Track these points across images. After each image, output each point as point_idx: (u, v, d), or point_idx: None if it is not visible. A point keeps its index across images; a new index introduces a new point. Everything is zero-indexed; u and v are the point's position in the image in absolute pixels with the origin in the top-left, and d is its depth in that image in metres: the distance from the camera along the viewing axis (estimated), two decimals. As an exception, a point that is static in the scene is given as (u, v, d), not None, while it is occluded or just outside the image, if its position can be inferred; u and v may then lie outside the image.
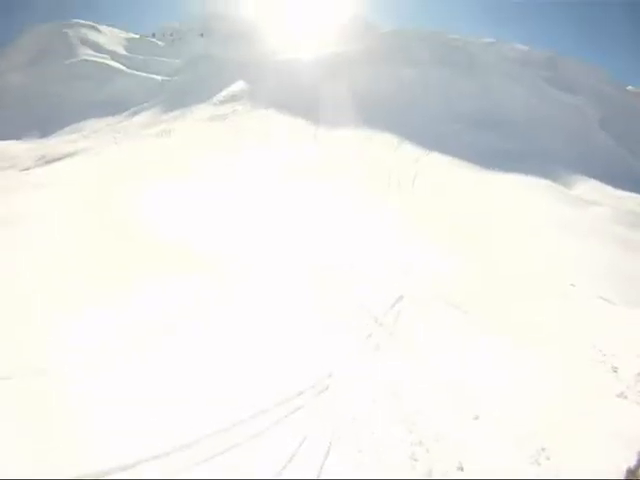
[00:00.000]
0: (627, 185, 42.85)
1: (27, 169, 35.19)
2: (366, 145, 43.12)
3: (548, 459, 8.06)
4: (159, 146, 38.09)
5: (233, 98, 53.85)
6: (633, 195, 40.71)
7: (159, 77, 64.15)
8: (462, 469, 7.62)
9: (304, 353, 10.48)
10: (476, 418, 9.04)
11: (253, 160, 34.55)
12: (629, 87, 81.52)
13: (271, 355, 10.15)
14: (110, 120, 48.76)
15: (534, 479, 7.19)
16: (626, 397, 10.26)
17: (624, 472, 7.52)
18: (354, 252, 17.97)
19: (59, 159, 36.82)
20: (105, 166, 31.89)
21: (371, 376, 10.06)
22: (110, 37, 77.47)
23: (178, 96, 55.26)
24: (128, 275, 13.28)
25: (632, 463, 7.59)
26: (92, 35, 73.70)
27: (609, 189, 41.53)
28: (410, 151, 42.97)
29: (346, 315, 12.74)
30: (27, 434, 6.97)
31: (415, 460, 7.67)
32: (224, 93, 55.14)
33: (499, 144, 47.75)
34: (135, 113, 50.46)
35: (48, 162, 36.55)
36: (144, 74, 64.34)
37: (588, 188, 40.61)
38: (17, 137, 44.34)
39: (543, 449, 8.27)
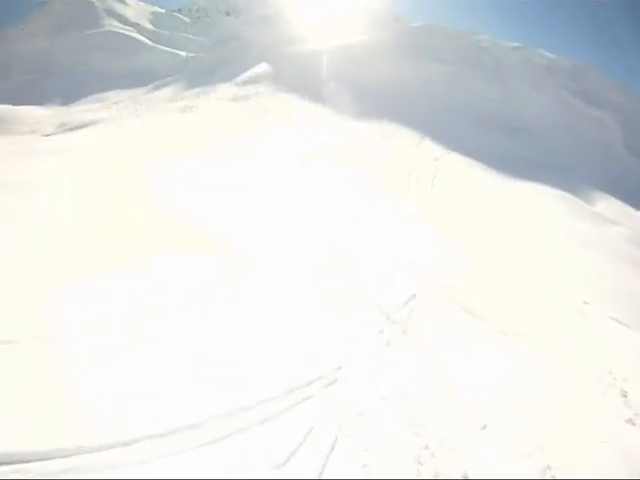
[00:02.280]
0: (647, 206, 42.32)
1: (48, 135, 35.18)
2: (387, 139, 42.77)
3: (553, 477, 7.97)
4: (181, 122, 37.82)
5: (256, 80, 53.38)
6: (652, 217, 40.19)
7: (183, 53, 63.69)
8: (467, 478, 7.53)
9: (313, 344, 10.34)
10: (483, 428, 8.94)
11: (273, 143, 34.27)
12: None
13: (280, 345, 10.00)
14: (133, 92, 48.48)
15: (533, 479, 7.04)
16: (634, 424, 10.15)
17: None
18: (369, 246, 17.79)
19: (80, 127, 36.66)
20: (126, 136, 31.68)
21: (381, 373, 9.98)
22: (136, 10, 76.93)
23: (201, 74, 54.89)
24: (137, 249, 13.07)
25: None
26: (118, 7, 73.17)
27: (629, 209, 41.06)
28: (431, 149, 42.60)
29: (357, 309, 12.60)
30: (26, 402, 6.88)
31: (420, 464, 7.57)
32: (247, 74, 54.67)
33: (520, 150, 47.31)
34: (158, 87, 50.11)
35: (70, 129, 36.45)
36: (168, 49, 63.90)
37: (608, 206, 40.11)
38: (39, 103, 44.23)
39: (549, 467, 8.19)
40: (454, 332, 12.73)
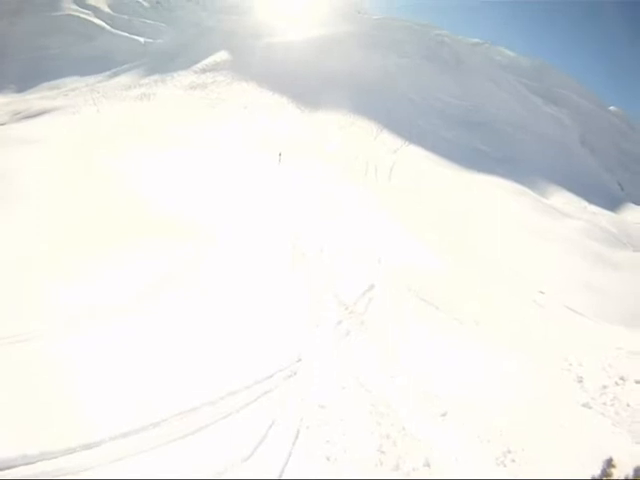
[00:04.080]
0: (601, 201, 43.99)
1: (3, 124, 34.06)
2: (345, 130, 42.95)
3: (513, 461, 8.12)
4: (139, 110, 37.22)
5: (215, 67, 52.84)
6: (606, 212, 41.73)
7: (142, 39, 62.38)
8: (429, 465, 7.59)
9: (273, 336, 10.33)
10: (443, 415, 9.04)
11: (229, 132, 34.11)
12: (612, 107, 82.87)
13: (240, 337, 9.96)
14: (90, 79, 47.31)
15: (514, 479, 7.16)
16: (591, 407, 10.43)
17: None
18: (326, 236, 17.83)
19: (36, 115, 35.71)
20: (85, 126, 31.00)
21: (340, 364, 9.98)
22: (95, -8, 75.04)
23: (160, 60, 53.92)
24: (107, 241, 12.84)
25: (596, 472, 7.66)
26: (77, -11, 71.14)
27: (584, 203, 42.39)
28: (389, 141, 42.98)
29: (316, 300, 12.65)
30: (16, 404, 6.69)
31: (383, 453, 7.60)
32: (206, 61, 54.04)
33: (478, 145, 48.23)
34: (116, 74, 49.02)
35: (26, 117, 35.47)
36: (127, 34, 62.41)
37: (563, 200, 41.37)
38: None
39: (509, 451, 8.33)
40: (412, 322, 12.87)
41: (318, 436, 7.63)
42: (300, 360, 9.66)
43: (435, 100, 56.09)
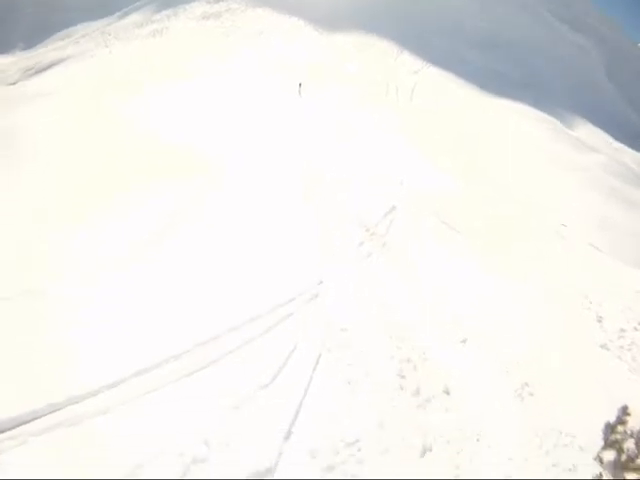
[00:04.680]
0: (625, 138, 42.90)
1: (14, 83, 33.66)
2: (364, 51, 41.89)
3: (531, 395, 8.17)
4: (152, 47, 36.47)
5: (228, -5, 51.22)
6: (629, 150, 40.85)
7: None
8: (448, 392, 7.64)
9: (294, 259, 10.26)
10: (463, 342, 9.04)
11: (245, 60, 33.48)
12: (640, 44, 79.62)
13: (262, 261, 9.89)
14: (101, 23, 46.19)
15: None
16: (608, 349, 10.39)
17: (603, 425, 7.61)
18: (347, 160, 17.68)
19: (48, 68, 35.25)
20: (97, 71, 30.43)
21: (362, 286, 9.97)
22: None
23: (171, -7, 52.35)
24: (116, 187, 12.42)
25: (611, 419, 7.68)
26: None
27: (608, 138, 41.35)
28: (410, 62, 41.93)
29: (337, 222, 12.59)
30: (17, 357, 6.57)
31: (403, 377, 7.64)
32: (219, -11, 52.36)
33: (500, 69, 46.71)
34: (126, 14, 47.52)
35: (37, 72, 35.02)
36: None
37: (587, 132, 40.33)
38: (5, 51, 42.33)
39: (527, 384, 8.36)
40: (434, 245, 12.78)
41: (339, 359, 7.65)
42: (322, 282, 9.63)
43: (456, 21, 53.83)
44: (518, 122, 33.77)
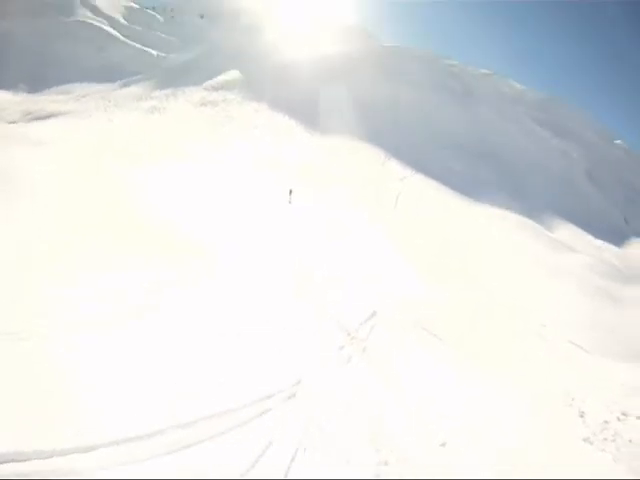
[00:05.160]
0: (606, 236, 44.19)
1: (14, 122, 34.32)
2: (353, 155, 43.21)
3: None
4: (149, 123, 37.45)
5: (226, 86, 53.13)
6: (611, 246, 42.05)
7: (154, 52, 63.15)
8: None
9: (274, 357, 10.25)
10: (443, 445, 9.00)
11: (238, 152, 34.31)
12: (617, 141, 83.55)
13: (241, 355, 9.87)
14: (101, 87, 47.72)
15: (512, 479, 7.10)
16: (591, 443, 10.42)
17: None
18: (331, 263, 17.88)
19: (47, 117, 35.99)
20: (96, 134, 31.08)
21: (340, 388, 9.93)
22: (110, 2, 75.83)
23: (172, 74, 54.29)
24: (108, 248, 12.70)
25: None
26: (92, -3, 71.85)
27: (589, 237, 42.59)
28: (396, 169, 43.24)
29: (320, 325, 12.64)
30: (15, 404, 6.53)
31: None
32: (218, 79, 54.38)
33: (484, 176, 48.44)
34: (127, 84, 49.37)
35: (37, 118, 35.73)
36: (139, 46, 63.26)
37: (568, 233, 41.55)
38: (5, 88, 43.26)
39: (507, 484, 8.29)
40: (414, 351, 12.87)
41: (316, 457, 7.56)
42: (300, 383, 9.59)
43: (442, 130, 56.34)
44: (500, 227, 34.89)
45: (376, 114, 54.06)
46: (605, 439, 10.62)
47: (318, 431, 8.23)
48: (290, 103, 50.36)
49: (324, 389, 9.67)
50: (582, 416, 11.55)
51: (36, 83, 46.01)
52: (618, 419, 11.51)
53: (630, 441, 10.54)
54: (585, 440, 10.50)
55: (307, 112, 49.21)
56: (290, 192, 27.85)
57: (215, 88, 51.73)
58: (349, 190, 32.72)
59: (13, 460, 5.66)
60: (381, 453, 8.17)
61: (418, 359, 12.42)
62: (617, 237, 45.90)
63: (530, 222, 38.94)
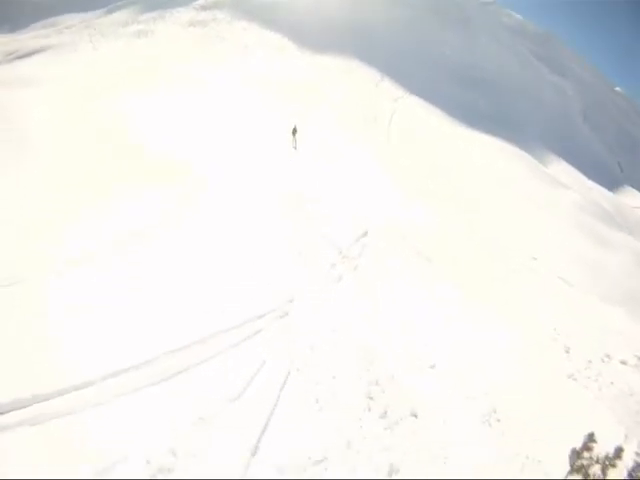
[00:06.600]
0: (599, 179, 43.98)
1: (-2, 64, 33.15)
2: (347, 75, 42.17)
3: (498, 421, 8.27)
4: (136, 48, 36.13)
5: (215, 5, 50.78)
6: (604, 190, 41.83)
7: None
8: (416, 415, 7.66)
9: (267, 277, 10.22)
10: (432, 367, 9.10)
11: (228, 72, 33.23)
12: (617, 88, 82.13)
13: (235, 277, 9.82)
14: (85, 16, 45.72)
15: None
16: (576, 379, 10.64)
17: (569, 451, 7.73)
18: (324, 183, 17.69)
19: (31, 54, 34.71)
20: (81, 67, 30.02)
21: (332, 307, 9.98)
22: None
23: (158, -6, 52.13)
24: (104, 186, 12.54)
25: (578, 445, 7.78)
26: None
27: (581, 177, 42.38)
28: (390, 89, 42.34)
29: (312, 244, 12.56)
30: (7, 347, 6.59)
31: (371, 399, 7.65)
32: (207, -3, 52.31)
33: (479, 103, 47.41)
34: (112, 10, 47.13)
35: (19, 57, 34.44)
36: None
37: (561, 170, 41.25)
38: None
39: (494, 411, 8.45)
40: (405, 272, 12.86)
41: (308, 378, 7.63)
42: (292, 301, 9.63)
43: (438, 53, 54.71)
44: (494, 157, 34.47)
45: (370, 35, 52.30)
46: (589, 377, 10.84)
47: (309, 349, 8.30)
48: (282, 22, 48.40)
49: (315, 307, 9.74)
50: (567, 351, 11.72)
51: (18, 20, 44.02)
52: (602, 360, 11.75)
53: (612, 383, 10.80)
54: (569, 377, 10.69)
55: (300, 32, 47.36)
56: (294, 131, 22.89)
57: (204, 8, 49.52)
58: (341, 110, 32.06)
59: (14, 409, 5.71)
60: (370, 373, 8.25)
61: (408, 281, 12.42)
62: (610, 182, 45.84)
63: (523, 153, 38.39)
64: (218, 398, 6.64)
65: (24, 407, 5.75)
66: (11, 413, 5.64)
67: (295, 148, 22.27)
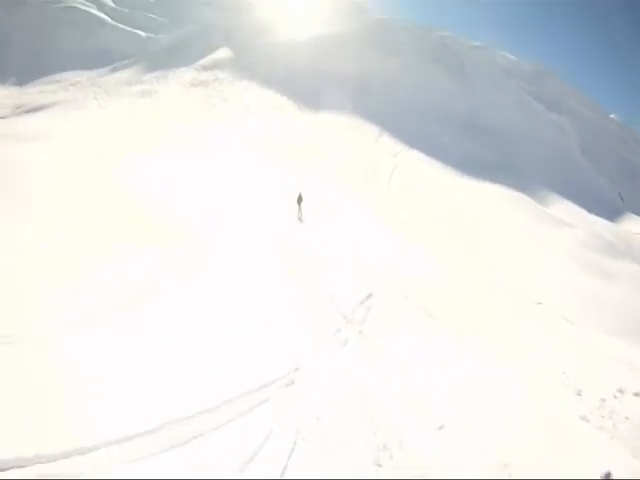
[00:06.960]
0: (601, 211, 44.22)
1: (4, 117, 34.06)
2: (346, 132, 42.85)
3: (511, 476, 8.09)
4: (140, 108, 37.12)
5: (216, 65, 52.46)
6: (606, 222, 41.86)
7: (143, 33, 62.07)
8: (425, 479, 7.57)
9: (271, 343, 10.27)
10: (440, 428, 9.01)
11: (230, 132, 34.00)
12: (612, 115, 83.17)
13: (238, 344, 9.89)
14: (91, 74, 47.11)
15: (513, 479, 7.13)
16: (588, 421, 10.40)
17: None
18: (325, 243, 17.85)
19: (38, 109, 35.69)
20: (86, 124, 30.92)
21: (338, 374, 9.93)
22: (98, -16, 74.33)
23: (162, 56, 53.68)
24: (104, 245, 12.82)
25: None
26: (79, -19, 70.41)
27: (582, 212, 42.50)
28: (390, 144, 42.93)
29: (315, 308, 12.62)
30: (14, 409, 6.59)
31: (379, 466, 7.57)
32: (208, 59, 53.74)
33: (478, 151, 48.11)
34: (116, 69, 48.80)
35: (28, 111, 35.45)
36: (129, 28, 62.14)
37: (563, 208, 41.43)
38: None
39: (506, 465, 8.29)
40: (410, 332, 12.84)
41: (315, 445, 7.59)
42: (298, 369, 9.62)
43: (436, 103, 55.80)
44: (494, 203, 34.75)
45: (368, 89, 53.54)
46: (602, 417, 10.58)
47: (315, 419, 8.26)
48: (281, 81, 49.86)
49: (321, 375, 9.69)
50: (579, 394, 11.50)
51: (26, 75, 45.40)
52: (615, 397, 11.48)
53: (627, 418, 10.53)
54: (582, 418, 10.47)
55: (299, 90, 48.73)
56: (299, 200, 21.84)
57: (205, 68, 51.09)
58: (341, 167, 32.54)
59: (15, 466, 5.70)
60: (379, 437, 8.21)
61: (414, 340, 12.42)
62: (611, 212, 46.12)
63: (523, 197, 38.75)
64: (222, 470, 6.60)
65: (26, 466, 5.74)
66: (13, 470, 5.63)
67: (300, 220, 21.19)
